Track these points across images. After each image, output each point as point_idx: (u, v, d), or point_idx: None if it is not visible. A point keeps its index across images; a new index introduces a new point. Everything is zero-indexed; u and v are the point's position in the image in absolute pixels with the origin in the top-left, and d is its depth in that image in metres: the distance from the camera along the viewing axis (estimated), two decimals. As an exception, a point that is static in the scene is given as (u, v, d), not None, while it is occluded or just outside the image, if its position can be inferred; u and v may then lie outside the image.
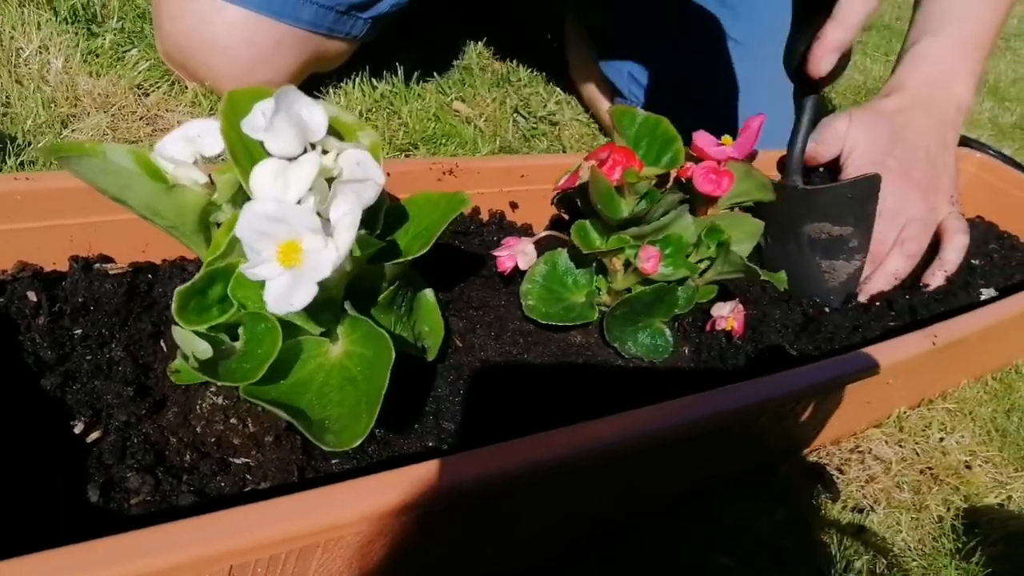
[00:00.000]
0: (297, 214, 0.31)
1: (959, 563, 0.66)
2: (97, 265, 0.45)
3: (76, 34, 0.88)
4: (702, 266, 0.55)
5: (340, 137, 0.38)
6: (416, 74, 1.10)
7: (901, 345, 0.54)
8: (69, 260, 0.44)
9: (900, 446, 0.78)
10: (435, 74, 1.14)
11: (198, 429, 0.38)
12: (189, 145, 0.39)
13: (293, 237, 0.32)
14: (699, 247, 0.54)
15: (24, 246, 0.43)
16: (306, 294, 0.31)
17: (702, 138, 0.53)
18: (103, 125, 0.78)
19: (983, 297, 0.77)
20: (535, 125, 1.15)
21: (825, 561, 0.63)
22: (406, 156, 0.95)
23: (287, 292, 0.31)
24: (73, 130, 0.77)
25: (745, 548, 0.61)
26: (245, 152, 0.35)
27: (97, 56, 0.87)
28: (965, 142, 1.12)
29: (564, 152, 1.10)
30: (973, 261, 0.88)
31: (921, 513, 0.71)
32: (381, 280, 0.40)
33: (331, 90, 0.99)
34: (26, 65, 0.82)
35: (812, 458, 0.71)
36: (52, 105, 0.79)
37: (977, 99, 1.90)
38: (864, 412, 0.70)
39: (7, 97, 0.77)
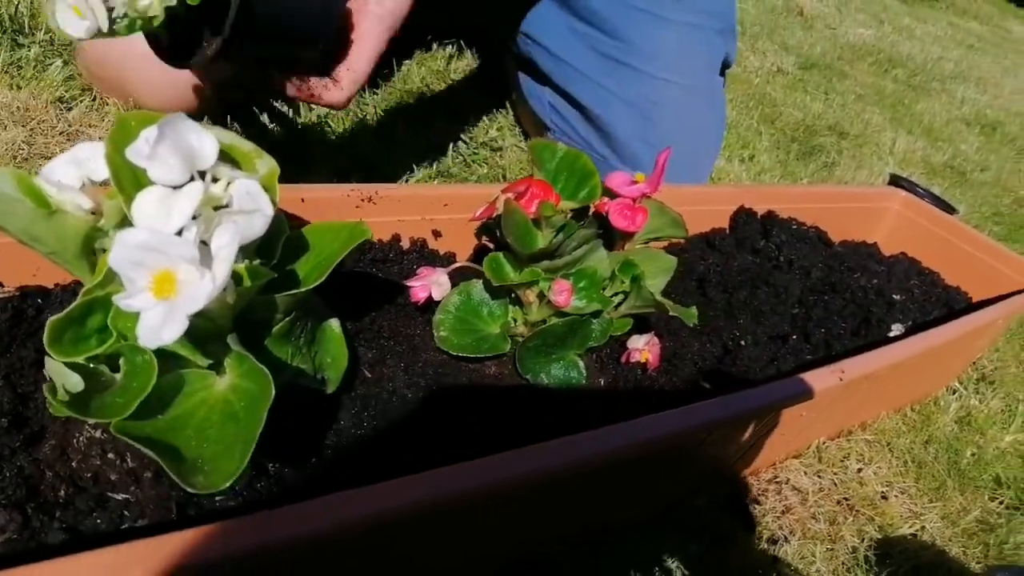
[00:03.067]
0: (172, 244, 0.31)
1: (870, 594, 0.67)
2: (-18, 289, 0.43)
3: (-2, 45, 0.85)
4: (616, 300, 0.55)
5: (236, 165, 0.38)
6: (356, 98, 1.09)
7: (809, 380, 0.55)
8: (-50, 283, 0.42)
9: (819, 476, 0.79)
10: (377, 98, 1.14)
11: (74, 464, 0.37)
12: (78, 169, 0.38)
13: (168, 267, 0.31)
14: (614, 281, 0.55)
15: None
16: (177, 328, 0.30)
17: (616, 178, 0.53)
18: (19, 139, 0.76)
19: (892, 334, 0.79)
20: (476, 151, 1.16)
21: (740, 594, 0.64)
22: (340, 180, 0.94)
23: (159, 325, 0.30)
24: (-14, 144, 0.74)
25: (658, 581, 0.61)
26: (131, 178, 0.34)
27: (20, 68, 0.85)
28: (895, 180, 1.16)
29: (504, 178, 1.11)
30: (895, 296, 0.91)
31: (836, 544, 0.72)
32: (275, 311, 0.39)
33: (265, 113, 0.98)
34: (-60, 74, 0.79)
35: (729, 490, 0.72)
36: (-35, 117, 0.76)
37: (911, 138, 1.98)
38: (780, 443, 0.71)
39: (-84, 108, 0.75)
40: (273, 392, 0.33)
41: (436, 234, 0.64)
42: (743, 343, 0.69)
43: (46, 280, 0.46)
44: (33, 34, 0.91)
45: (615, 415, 0.54)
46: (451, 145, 1.10)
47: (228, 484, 0.30)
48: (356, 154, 0.99)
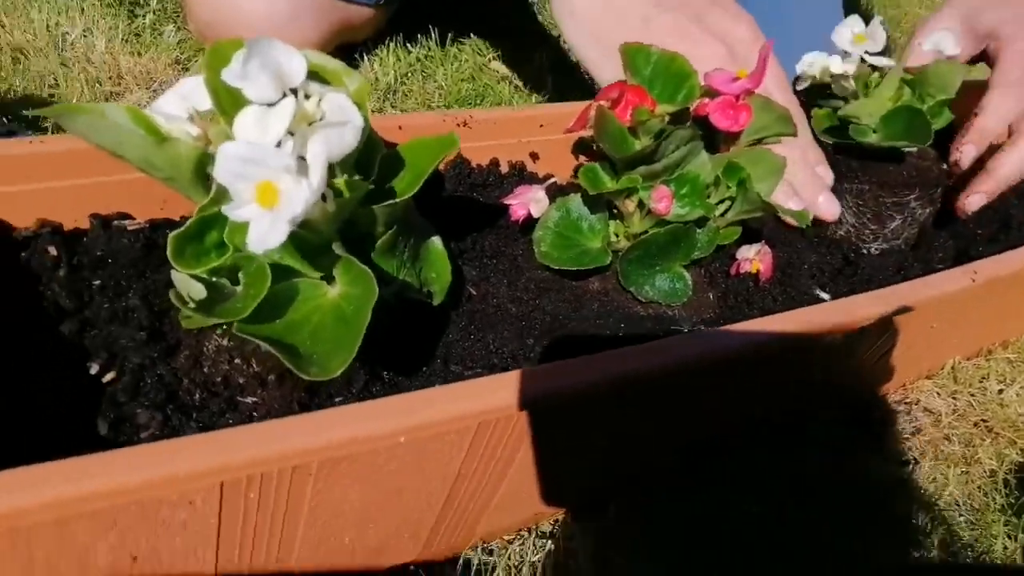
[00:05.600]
0: (270, 155, 0.32)
1: (1009, 518, 0.63)
2: (116, 222, 0.47)
3: (117, 16, 0.91)
4: (722, 206, 0.53)
5: (325, 83, 0.39)
6: (451, 36, 1.10)
7: (935, 283, 0.51)
8: (89, 217, 0.46)
9: (953, 398, 0.74)
10: (472, 35, 1.13)
11: (206, 371, 0.40)
12: (184, 101, 0.40)
13: (269, 178, 0.32)
14: (719, 186, 0.53)
15: (44, 205, 0.45)
16: (280, 233, 0.31)
17: (716, 76, 0.51)
18: (144, 100, 0.81)
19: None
20: (575, 80, 1.14)
21: (864, 512, 0.61)
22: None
23: (265, 232, 0.32)
24: (116, 105, 0.80)
25: (777, 494, 0.60)
26: (231, 101, 0.36)
27: (138, 36, 0.91)
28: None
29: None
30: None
31: (971, 467, 0.67)
32: (377, 223, 0.40)
33: (365, 57, 1.00)
34: (72, 48, 0.86)
35: (855, 409, 0.69)
36: (96, 84, 0.82)
37: None
38: (910, 360, 0.67)
39: (54, 79, 0.81)
40: (376, 291, 0.34)
41: (534, 156, 0.64)
42: (865, 252, 0.65)
43: (172, 213, 0.49)
44: (147, 3, 0.96)
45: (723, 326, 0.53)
46: (549, 77, 1.09)
47: (340, 372, 0.32)
48: (451, 94, 1.00)
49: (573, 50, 0.64)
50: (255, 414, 0.39)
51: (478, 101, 1.01)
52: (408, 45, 1.05)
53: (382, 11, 0.95)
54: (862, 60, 0.61)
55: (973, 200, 0.65)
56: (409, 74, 1.02)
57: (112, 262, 0.44)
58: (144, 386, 0.38)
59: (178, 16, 0.95)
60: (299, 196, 0.32)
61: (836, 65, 0.61)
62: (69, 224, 0.46)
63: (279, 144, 0.34)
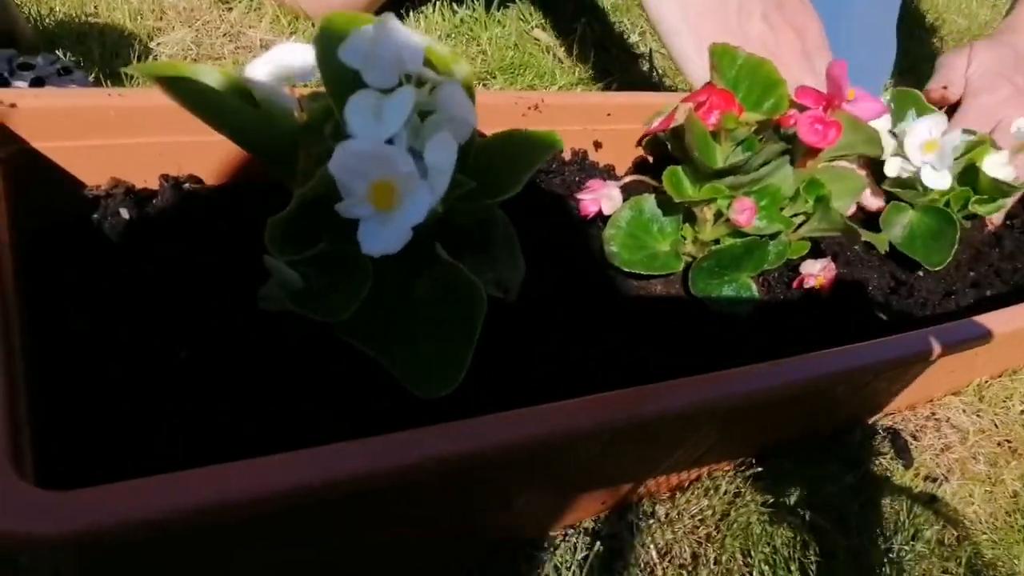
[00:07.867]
0: (394, 155, 0.30)
1: (1030, 540, 0.64)
2: (186, 185, 0.45)
3: (161, -55, 0.87)
4: (797, 220, 0.52)
5: (433, 69, 0.37)
6: (497, 1, 1.06)
7: (1005, 317, 0.50)
8: (160, 179, 0.44)
9: (978, 416, 0.75)
10: (517, 1, 1.10)
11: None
12: (277, 70, 0.38)
13: (388, 177, 0.31)
14: (795, 201, 0.52)
15: (114, 162, 0.43)
16: (401, 237, 0.30)
17: (804, 91, 0.49)
18: (188, 40, 0.78)
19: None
20: (617, 56, 1.11)
21: (892, 527, 0.62)
22: (484, 85, 0.92)
23: (381, 233, 0.31)
24: (159, 43, 0.77)
25: (812, 509, 0.60)
26: (340, 79, 0.34)
27: (182, -32, 0.87)
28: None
29: (652, 84, 1.07)
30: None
31: (996, 487, 0.68)
32: (468, 219, 0.39)
33: (411, 14, 0.96)
34: (113, -24, 0.82)
35: (887, 423, 0.69)
36: (139, 17, 0.79)
37: None
38: (945, 380, 0.67)
39: (95, 8, 0.78)
40: (485, 301, 0.33)
41: (597, 145, 0.62)
42: (920, 273, 0.64)
43: (240, 178, 0.47)
44: (191, -67, 0.92)
45: (786, 339, 0.53)
46: (591, 51, 1.06)
47: (451, 390, 0.31)
48: (494, 60, 0.97)
49: (664, 35, 0.62)
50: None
51: (521, 71, 0.98)
52: (454, 5, 1.01)
53: None
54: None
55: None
56: (453, 35, 0.99)
57: (183, 229, 0.43)
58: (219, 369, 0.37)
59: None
60: (423, 202, 0.30)
61: (891, 167, 0.62)
62: (139, 184, 0.44)
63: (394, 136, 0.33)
